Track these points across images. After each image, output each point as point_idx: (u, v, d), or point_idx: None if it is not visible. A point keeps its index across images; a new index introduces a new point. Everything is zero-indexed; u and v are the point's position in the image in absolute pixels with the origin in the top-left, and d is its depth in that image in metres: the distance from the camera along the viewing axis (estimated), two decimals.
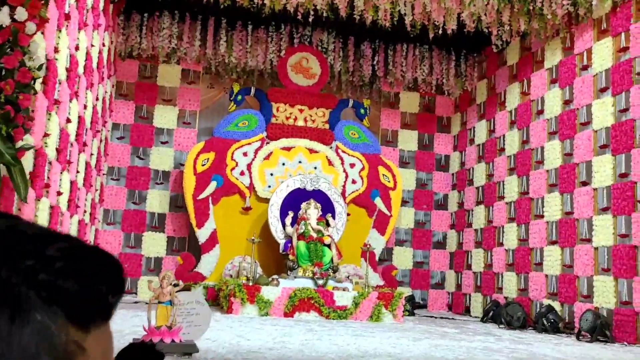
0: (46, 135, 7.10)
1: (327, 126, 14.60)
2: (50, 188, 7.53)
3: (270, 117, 14.33)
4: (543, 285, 11.55)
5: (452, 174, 15.81)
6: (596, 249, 10.31)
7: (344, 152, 14.51)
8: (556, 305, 10.95)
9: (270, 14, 11.82)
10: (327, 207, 13.20)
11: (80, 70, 8.93)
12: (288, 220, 12.81)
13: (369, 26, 11.88)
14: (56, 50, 7.21)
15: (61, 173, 8.18)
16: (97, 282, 0.46)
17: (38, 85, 6.34)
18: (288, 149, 14.18)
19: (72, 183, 9.06)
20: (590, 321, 9.52)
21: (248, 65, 14.35)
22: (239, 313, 10.75)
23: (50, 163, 7.48)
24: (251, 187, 13.83)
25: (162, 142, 14.38)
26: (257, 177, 13.86)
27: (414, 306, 13.49)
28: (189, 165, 13.57)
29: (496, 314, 11.91)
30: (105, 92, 12.18)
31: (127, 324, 8.09)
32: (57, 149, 7.76)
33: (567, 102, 11.51)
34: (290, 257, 12.23)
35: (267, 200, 13.46)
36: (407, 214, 15.39)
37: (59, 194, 8.10)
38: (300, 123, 14.42)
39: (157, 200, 14.16)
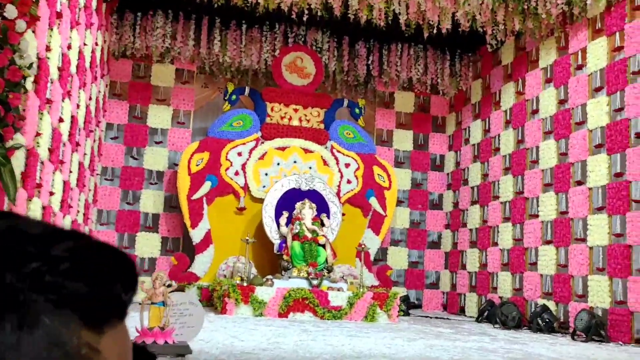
0: (38, 134, 7.04)
1: (321, 126, 14.56)
2: (42, 188, 7.46)
3: (264, 116, 14.28)
4: (538, 285, 11.54)
5: (447, 174, 15.80)
6: (591, 248, 10.31)
7: (338, 151, 14.48)
8: (551, 305, 10.94)
9: (264, 13, 11.77)
10: (322, 207, 13.16)
11: (73, 69, 8.86)
12: (283, 220, 12.76)
13: (364, 25, 11.84)
14: (48, 49, 7.15)
15: (53, 173, 8.11)
16: (108, 280, 0.44)
17: (29, 84, 6.28)
18: (283, 148, 14.14)
19: (65, 183, 8.99)
20: (585, 321, 9.51)
21: (242, 64, 14.30)
22: (233, 313, 10.70)
23: (42, 163, 7.41)
24: (246, 187, 13.78)
25: (156, 142, 14.31)
26: (252, 177, 13.81)
27: (408, 306, 13.47)
28: (183, 165, 13.51)
29: (491, 314, 11.89)
30: (99, 91, 12.11)
31: None
32: (49, 149, 7.69)
33: (562, 102, 11.50)
34: (285, 257, 12.18)
35: (261, 200, 13.41)
36: (402, 213, 15.36)
37: (51, 194, 8.04)
38: (295, 123, 14.38)
39: (151, 201, 14.09)
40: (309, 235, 12.27)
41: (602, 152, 10.32)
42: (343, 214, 13.68)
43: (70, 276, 0.42)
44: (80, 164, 10.42)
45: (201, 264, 13.14)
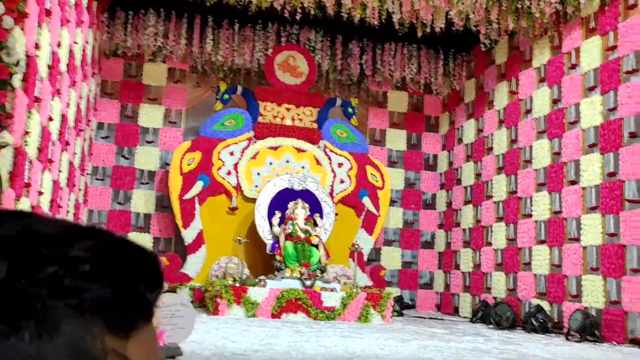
0: (26, 133, 6.93)
1: (314, 125, 14.49)
2: (30, 188, 7.36)
3: (257, 116, 14.19)
4: (532, 285, 11.51)
5: (441, 174, 15.76)
6: (585, 248, 10.28)
7: (331, 151, 14.41)
8: (545, 305, 10.91)
9: (257, 12, 11.69)
10: (315, 206, 13.09)
11: (63, 67, 8.76)
12: (275, 220, 12.68)
13: (357, 24, 11.77)
14: (37, 46, 7.04)
15: (42, 172, 8.00)
16: (132, 280, 0.41)
17: (17, 82, 6.18)
18: (275, 148, 14.05)
19: (54, 183, 8.88)
20: (579, 321, 9.48)
21: (235, 63, 14.20)
22: (225, 314, 10.61)
23: (30, 162, 7.31)
24: (238, 187, 13.69)
25: (148, 142, 14.20)
26: (244, 176, 13.73)
27: (402, 307, 13.41)
28: (175, 164, 13.41)
29: (485, 314, 11.86)
30: (90, 90, 11.99)
31: None
32: (38, 148, 7.59)
33: (555, 101, 11.48)
34: (278, 257, 12.10)
35: (254, 200, 13.32)
36: (395, 213, 15.31)
37: (40, 193, 7.93)
38: (288, 122, 14.30)
39: (142, 201, 13.98)
40: (302, 236, 12.19)
41: (595, 151, 10.29)
42: (336, 214, 13.61)
43: (91, 278, 0.39)
44: (70, 164, 10.30)
45: (193, 265, 13.04)
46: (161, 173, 14.11)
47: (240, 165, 13.77)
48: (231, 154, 13.81)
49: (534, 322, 10.50)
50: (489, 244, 13.11)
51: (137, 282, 0.42)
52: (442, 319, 12.77)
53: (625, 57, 9.79)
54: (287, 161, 14.02)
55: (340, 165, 14.38)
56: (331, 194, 13.87)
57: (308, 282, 11.35)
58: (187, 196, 13.27)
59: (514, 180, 12.49)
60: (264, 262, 12.89)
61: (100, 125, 13.94)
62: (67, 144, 9.72)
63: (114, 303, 0.40)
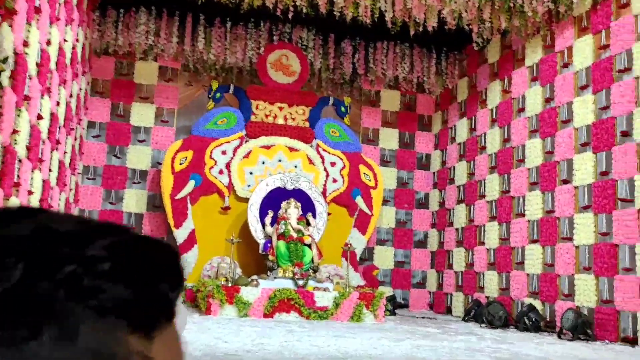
0: (15, 132, 6.86)
1: (307, 124, 14.44)
2: (20, 187, 7.28)
3: (249, 115, 14.14)
4: (524, 284, 11.51)
5: (433, 173, 15.74)
6: (577, 247, 10.28)
7: (324, 150, 14.37)
8: (537, 304, 10.90)
9: (249, 10, 11.63)
10: (308, 206, 13.04)
11: (53, 65, 8.67)
12: (268, 219, 12.63)
13: (350, 23, 11.73)
14: (25, 44, 6.97)
15: (32, 171, 7.92)
16: (152, 279, 0.39)
17: (5, 80, 6.10)
18: (268, 147, 13.99)
19: (45, 182, 8.80)
20: (571, 320, 9.48)
21: (227, 62, 14.14)
22: (217, 314, 10.55)
23: (20, 161, 7.24)
24: (230, 187, 13.62)
25: (139, 141, 14.11)
26: (236, 176, 13.66)
27: (395, 306, 13.38)
28: (167, 164, 13.34)
29: (478, 314, 11.84)
30: (80, 89, 11.90)
31: None
32: (27, 147, 7.51)
33: (548, 100, 11.48)
34: (270, 257, 12.05)
35: (246, 200, 13.26)
36: (388, 213, 15.28)
37: (30, 193, 7.85)
38: (280, 121, 14.25)
39: (134, 200, 13.89)
40: (295, 235, 12.14)
41: (588, 150, 10.30)
42: (329, 214, 13.57)
43: (110, 278, 0.37)
44: (61, 163, 10.22)
45: (185, 265, 12.95)
46: (153, 172, 14.03)
47: (233, 164, 13.70)
48: (223, 153, 13.74)
49: (527, 321, 10.49)
50: (482, 243, 13.10)
51: (159, 280, 0.40)
52: (434, 318, 12.75)
53: (618, 55, 9.80)
54: (280, 160, 13.97)
55: (333, 164, 14.33)
56: (324, 194, 13.83)
57: (300, 282, 11.31)
58: (179, 196, 13.19)
59: (506, 179, 12.49)
60: (256, 261, 12.83)
61: (91, 124, 13.84)
62: (58, 142, 9.63)
63: (135, 303, 0.38)
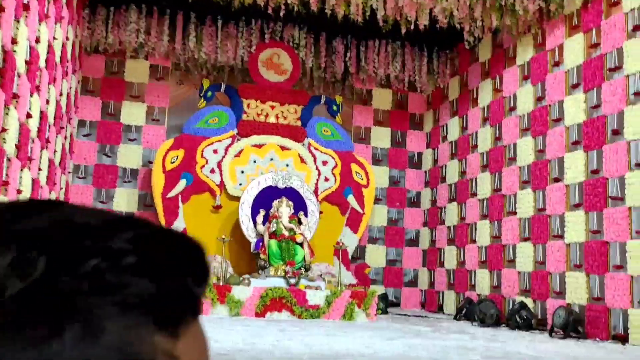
0: (3, 130, 6.80)
1: (299, 123, 14.41)
2: (9, 186, 7.21)
3: (241, 113, 14.09)
4: (516, 282, 11.53)
5: (425, 171, 15.75)
6: (568, 245, 10.31)
7: (316, 149, 14.34)
8: (529, 302, 10.93)
9: (240, 9, 11.60)
10: (299, 205, 13.02)
11: (42, 63, 8.60)
12: (259, 218, 12.60)
13: (341, 21, 11.71)
14: (14, 41, 6.91)
15: (21, 170, 7.85)
16: (177, 273, 0.37)
17: None
18: (259, 146, 13.96)
19: (34, 181, 8.73)
20: (562, 317, 9.50)
21: (218, 61, 14.08)
22: (209, 313, 10.51)
23: (9, 160, 7.17)
24: (222, 185, 13.58)
25: (130, 140, 14.04)
26: (228, 174, 13.62)
27: (387, 304, 13.39)
28: (158, 163, 13.28)
29: (469, 312, 11.86)
30: (70, 87, 11.82)
31: None
32: (16, 145, 7.44)
33: (539, 99, 11.50)
34: (262, 256, 12.02)
35: (238, 199, 13.22)
36: (380, 211, 15.28)
37: (19, 192, 7.78)
38: (272, 120, 14.21)
39: (125, 199, 13.82)
40: (286, 234, 12.12)
41: (578, 149, 10.33)
42: (321, 212, 13.55)
43: (136, 272, 0.35)
44: (51, 162, 10.14)
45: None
46: (144, 171, 13.96)
47: (224, 163, 13.66)
48: (215, 151, 13.70)
49: (518, 319, 10.52)
50: (474, 241, 13.12)
51: (184, 275, 0.38)
52: (426, 317, 12.76)
53: (608, 54, 9.83)
54: (272, 159, 13.94)
55: (324, 163, 14.31)
56: (315, 192, 13.81)
57: (292, 281, 11.29)
58: (171, 194, 13.14)
59: (498, 177, 12.51)
60: (248, 260, 12.80)
61: (81, 123, 13.75)
62: (47, 141, 9.56)
63: (160, 299, 0.36)
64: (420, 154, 15.92)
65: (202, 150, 13.60)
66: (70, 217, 0.37)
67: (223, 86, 14.36)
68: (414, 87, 15.49)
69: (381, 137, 15.69)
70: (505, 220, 12.10)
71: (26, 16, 7.38)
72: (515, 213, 11.84)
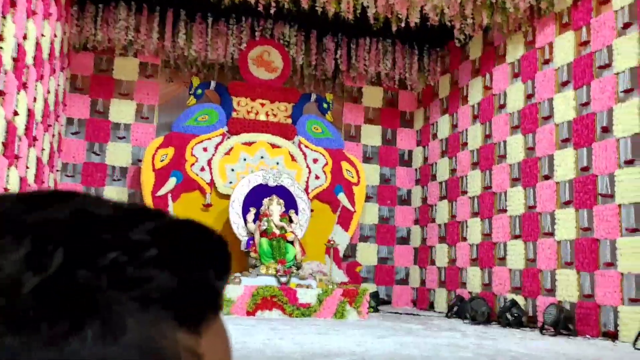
0: None
1: (289, 121, 14.36)
2: None
3: (231, 111, 14.02)
4: (507, 279, 11.55)
5: (416, 169, 15.75)
6: (559, 242, 10.34)
7: (306, 147, 14.30)
8: (520, 299, 10.95)
9: (230, 6, 11.53)
10: (290, 203, 12.98)
11: (29, 60, 8.50)
12: (250, 216, 12.54)
13: (332, 19, 11.68)
14: (0, 38, 6.81)
15: (8, 168, 7.76)
16: (199, 267, 0.36)
17: None
18: (249, 144, 13.90)
19: (22, 179, 8.64)
20: (553, 315, 9.52)
21: (208, 58, 13.99)
22: None
23: None
24: (212, 183, 13.51)
25: (119, 138, 13.94)
26: (218, 172, 13.55)
27: (378, 302, 13.38)
28: (147, 161, 13.19)
29: (460, 309, 11.87)
30: (58, 85, 11.71)
31: None
32: (3, 143, 7.35)
33: (529, 96, 11.52)
34: (253, 254, 11.97)
35: (228, 197, 13.16)
36: (371, 209, 15.27)
37: (6, 190, 7.68)
38: (262, 117, 14.15)
39: (114, 198, 13.49)
40: (277, 232, 12.07)
41: (568, 146, 10.35)
42: (311, 210, 13.52)
43: (157, 265, 0.34)
44: (39, 160, 10.04)
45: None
46: (133, 169, 13.87)
47: (214, 161, 13.59)
48: (205, 149, 13.62)
49: (509, 316, 10.54)
50: (464, 239, 13.14)
51: (206, 268, 0.36)
52: (417, 315, 12.76)
53: (598, 52, 9.86)
54: (262, 157, 13.88)
55: (315, 161, 14.28)
56: (306, 190, 13.77)
57: (283, 279, 11.24)
58: (160, 193, 13.06)
59: (488, 175, 12.53)
60: (238, 259, 12.74)
61: (69, 121, 13.64)
62: (35, 139, 9.46)
63: (182, 294, 0.34)
64: (410, 152, 15.93)
65: (192, 148, 13.53)
66: (86, 208, 0.35)
67: (213, 84, 14.29)
68: (405, 84, 15.49)
69: (372, 135, 15.67)
70: (496, 218, 12.12)
71: (13, 13, 7.29)
72: (505, 211, 11.86)
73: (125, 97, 14.02)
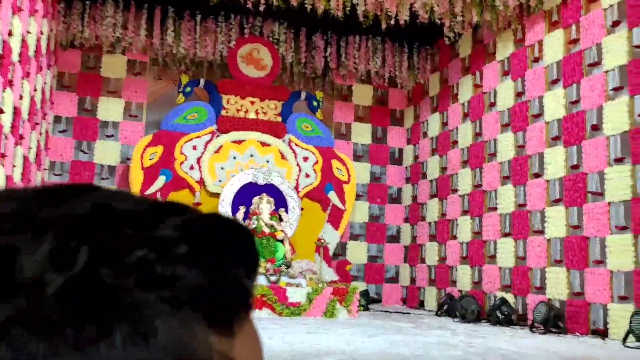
0: None
1: (279, 119, 14.29)
2: None
3: (220, 109, 13.93)
4: (497, 277, 11.55)
5: (406, 167, 15.74)
6: (548, 240, 10.34)
7: (297, 145, 14.24)
8: (509, 297, 10.95)
9: (219, 3, 11.45)
10: (280, 201, 12.92)
11: (15, 57, 8.39)
12: (240, 215, 12.48)
13: (321, 16, 11.62)
14: None
15: None
16: (229, 264, 0.33)
17: None
18: (239, 142, 13.82)
19: (8, 178, 8.53)
20: (543, 313, 9.53)
21: (197, 56, 13.90)
22: None
23: None
24: (201, 182, 13.43)
25: (108, 136, 13.82)
26: (207, 171, 13.46)
27: (368, 301, 13.35)
28: (136, 159, 13.08)
29: (450, 308, 11.86)
30: (45, 82, 11.58)
31: None
32: None
33: (519, 94, 11.52)
34: None
35: (217, 195, 13.08)
36: (361, 208, 15.23)
37: None
38: (252, 115, 14.08)
39: None
40: (267, 231, 12.01)
41: (558, 144, 10.36)
42: (301, 209, 13.47)
43: (187, 263, 0.31)
44: (25, 158, 9.92)
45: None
46: (122, 168, 13.76)
47: (204, 159, 13.50)
48: (194, 148, 13.53)
49: (499, 314, 10.53)
50: (454, 237, 13.13)
51: (236, 265, 0.34)
52: (407, 313, 12.74)
53: (587, 50, 9.87)
54: (252, 155, 13.81)
55: (305, 159, 14.22)
56: (296, 189, 13.72)
57: (273, 278, 11.19)
58: (149, 191, 12.95)
59: (479, 173, 12.52)
60: None
61: (57, 119, 13.50)
62: (21, 137, 9.34)
63: (213, 293, 0.32)
64: (401, 150, 15.90)
65: (181, 147, 13.43)
66: (108, 202, 0.32)
67: (202, 82, 14.19)
68: (395, 82, 15.46)
69: (362, 133, 15.64)
70: (486, 216, 12.11)
71: None
72: (495, 209, 11.86)
73: (114, 95, 13.91)
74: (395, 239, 15.52)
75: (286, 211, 12.81)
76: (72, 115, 13.62)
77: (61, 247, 0.29)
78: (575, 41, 10.18)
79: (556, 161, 10.32)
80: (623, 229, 8.82)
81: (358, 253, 15.07)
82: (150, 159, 13.12)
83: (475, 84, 12.93)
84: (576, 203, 9.78)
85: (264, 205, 12.34)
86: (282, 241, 12.04)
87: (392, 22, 11.47)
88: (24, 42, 8.89)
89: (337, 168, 14.39)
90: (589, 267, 9.39)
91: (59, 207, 0.32)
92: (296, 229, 13.09)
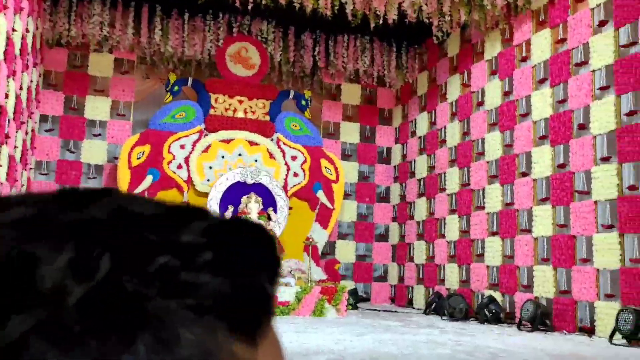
0: None
1: (267, 118, 14.27)
2: None
3: (208, 108, 13.88)
4: (484, 276, 11.61)
5: (394, 166, 15.77)
6: (536, 239, 10.40)
7: (285, 144, 14.22)
8: (497, 295, 11.01)
9: (207, 2, 11.41)
10: (269, 200, 12.90)
11: (0, 55, 8.30)
12: (228, 214, 12.43)
13: (310, 15, 11.60)
14: None
15: None
16: (252, 270, 0.33)
17: None
18: (227, 141, 13.77)
19: None
20: (530, 311, 9.58)
21: (185, 55, 13.84)
22: None
23: None
24: (189, 181, 13.37)
25: (95, 135, 13.73)
26: (195, 170, 13.41)
27: (357, 300, 13.37)
28: (124, 158, 13.00)
29: (439, 306, 11.90)
30: (31, 81, 11.48)
31: None
32: None
33: (506, 94, 11.57)
34: None
35: (206, 195, 13.04)
36: (349, 207, 15.25)
37: None
38: (240, 114, 14.04)
39: None
40: None
41: (546, 143, 10.42)
42: (290, 208, 13.45)
43: (212, 270, 0.30)
44: (11, 157, 9.84)
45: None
46: (109, 167, 13.68)
47: (192, 158, 13.44)
48: (182, 147, 13.47)
49: (487, 312, 10.58)
50: (442, 236, 13.17)
51: (259, 270, 0.33)
52: (396, 312, 12.77)
53: (575, 49, 9.93)
54: (240, 154, 13.77)
55: (294, 158, 14.20)
56: (285, 188, 13.70)
57: None
58: (137, 191, 12.87)
59: (466, 172, 12.57)
60: None
61: (43, 118, 13.39)
62: (7, 137, 9.26)
63: (236, 300, 0.31)
64: (389, 149, 15.93)
65: (169, 146, 13.37)
66: (126, 206, 0.32)
67: (190, 80, 14.13)
68: (383, 82, 15.48)
69: (350, 132, 15.65)
70: (474, 214, 12.16)
71: None
72: (483, 208, 11.91)
73: (101, 94, 13.82)
74: (383, 237, 15.55)
75: (275, 210, 12.80)
76: (59, 114, 13.52)
77: (82, 255, 0.29)
78: (562, 41, 10.24)
79: (543, 160, 10.38)
80: (609, 227, 8.89)
81: (346, 252, 15.08)
82: (138, 158, 13.04)
83: (464, 83, 12.97)
84: (563, 202, 9.84)
85: (252, 204, 12.31)
86: None
87: (381, 21, 11.48)
88: (9, 40, 8.81)
89: (326, 167, 14.39)
90: (575, 266, 9.45)
91: (79, 212, 0.31)
92: (285, 228, 13.07)
